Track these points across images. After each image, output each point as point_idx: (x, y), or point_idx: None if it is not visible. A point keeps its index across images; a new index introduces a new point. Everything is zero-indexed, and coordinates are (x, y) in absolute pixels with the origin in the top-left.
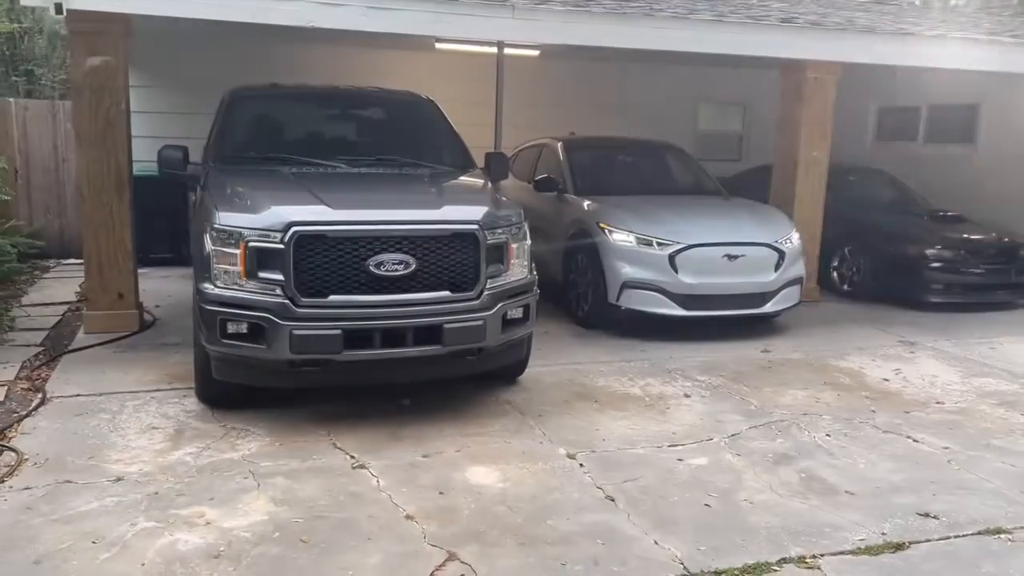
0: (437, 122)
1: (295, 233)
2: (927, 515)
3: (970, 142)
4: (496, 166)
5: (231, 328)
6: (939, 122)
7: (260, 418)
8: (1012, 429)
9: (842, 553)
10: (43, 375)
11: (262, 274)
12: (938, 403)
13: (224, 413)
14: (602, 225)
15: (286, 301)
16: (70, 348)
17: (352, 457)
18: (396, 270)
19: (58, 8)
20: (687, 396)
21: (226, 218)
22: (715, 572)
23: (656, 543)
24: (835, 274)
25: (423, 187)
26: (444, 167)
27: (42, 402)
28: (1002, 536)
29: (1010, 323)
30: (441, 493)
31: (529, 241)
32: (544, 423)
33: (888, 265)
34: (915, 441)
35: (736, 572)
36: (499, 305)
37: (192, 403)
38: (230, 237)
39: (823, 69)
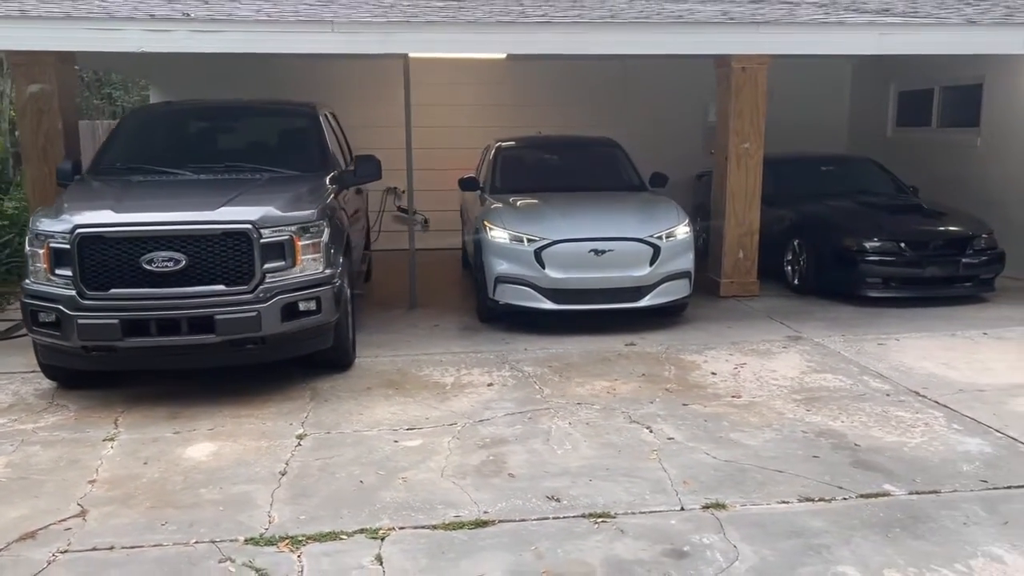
0: (307, 131)
1: (78, 235)
2: (553, 498)
3: (975, 125)
4: (363, 168)
5: (41, 318)
6: (950, 105)
7: (86, 397)
8: (770, 423)
9: (421, 527)
10: None
11: (59, 271)
12: (734, 396)
13: (64, 392)
14: (485, 223)
15: (74, 294)
16: (12, 335)
17: (114, 430)
18: (167, 266)
19: None
20: (490, 385)
21: (37, 224)
22: (285, 536)
23: (268, 512)
24: (788, 268)
25: (227, 189)
26: (290, 171)
27: None
28: (599, 520)
29: (940, 319)
30: (145, 463)
31: (326, 239)
32: (320, 407)
33: (828, 258)
34: (649, 431)
35: (303, 537)
36: (277, 298)
37: (49, 383)
38: (39, 239)
39: (750, 60)
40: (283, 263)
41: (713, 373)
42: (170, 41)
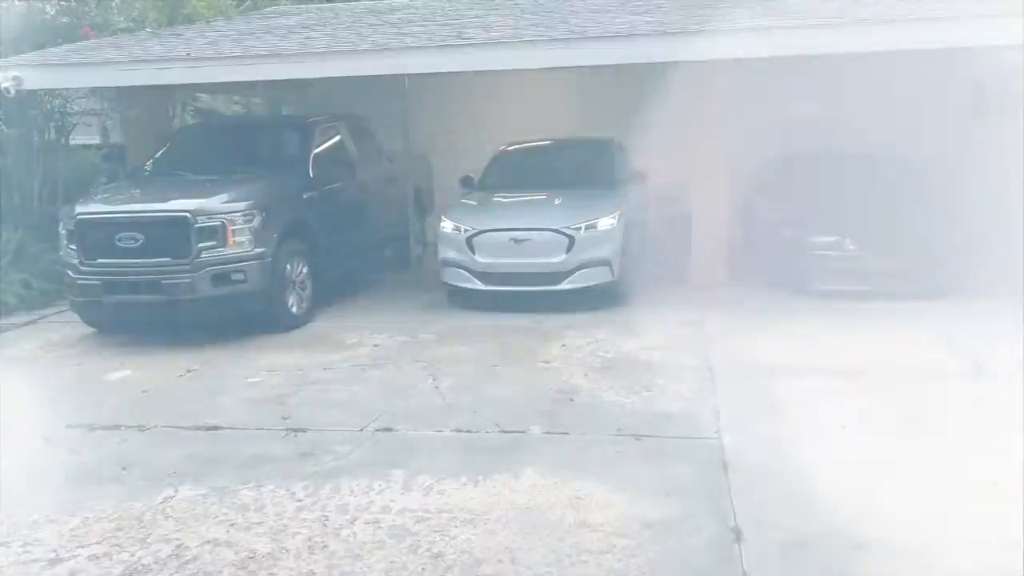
0: (291, 142)
1: (79, 220)
2: (285, 417)
3: None
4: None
5: (65, 280)
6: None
7: (112, 340)
8: (535, 382)
9: (176, 427)
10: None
11: (71, 245)
12: (545, 362)
13: (99, 335)
14: (441, 216)
15: (76, 262)
16: None
17: (83, 361)
18: (130, 243)
19: (7, 90)
20: (375, 346)
21: (67, 210)
22: (94, 425)
23: (103, 412)
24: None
25: (198, 186)
26: (270, 172)
27: (27, 323)
28: (293, 433)
29: (855, 311)
30: (75, 379)
31: (257, 225)
32: (232, 353)
33: (784, 252)
34: (431, 381)
35: (99, 427)
36: (207, 268)
37: (91, 329)
38: (64, 223)
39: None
40: (215, 243)
41: (563, 346)
42: (202, 74)
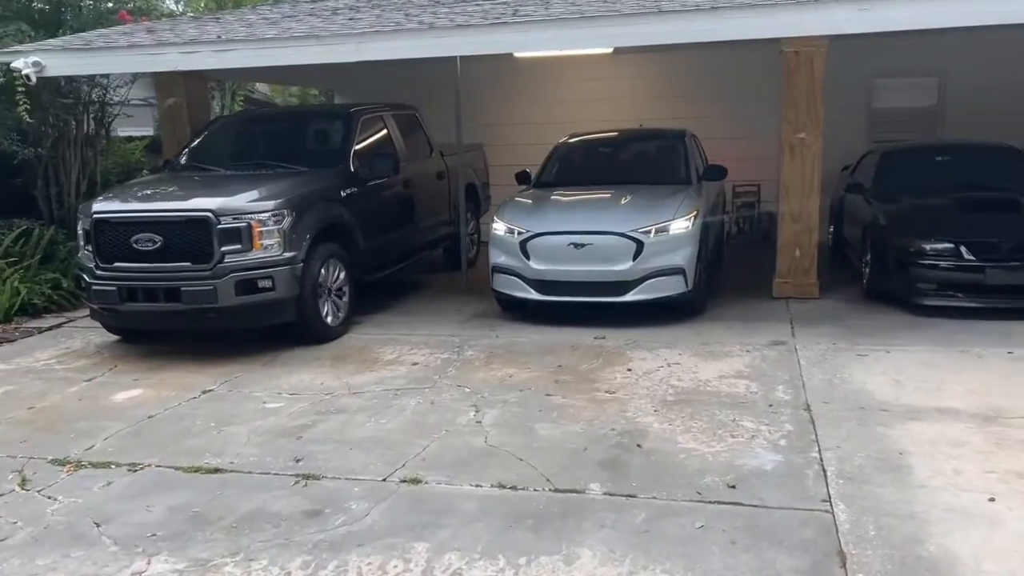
0: (331, 134)
1: (95, 219)
2: (296, 459)
3: None
4: (378, 165)
5: (81, 284)
6: None
7: (135, 351)
8: (596, 418)
9: (174, 468)
10: (82, 316)
11: (88, 246)
12: (609, 392)
13: (123, 344)
14: (494, 216)
15: (92, 265)
16: None
17: (104, 375)
18: (148, 246)
19: (27, 77)
20: (414, 364)
21: (83, 208)
22: (77, 461)
23: (97, 444)
24: (865, 270)
25: (225, 183)
26: (306, 167)
27: (52, 327)
28: (303, 481)
29: (983, 333)
30: (80, 400)
31: (287, 227)
32: (257, 371)
33: (885, 260)
34: (474, 413)
35: (88, 463)
36: (231, 274)
37: (114, 337)
38: (80, 222)
39: (804, 42)
40: (239, 246)
41: (629, 370)
42: (198, 59)
